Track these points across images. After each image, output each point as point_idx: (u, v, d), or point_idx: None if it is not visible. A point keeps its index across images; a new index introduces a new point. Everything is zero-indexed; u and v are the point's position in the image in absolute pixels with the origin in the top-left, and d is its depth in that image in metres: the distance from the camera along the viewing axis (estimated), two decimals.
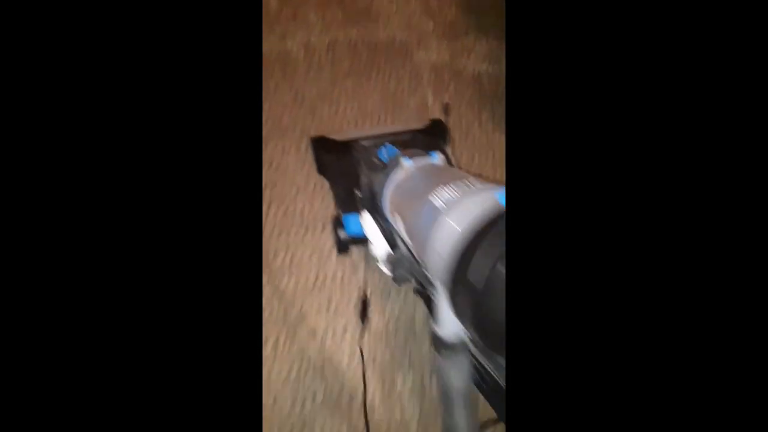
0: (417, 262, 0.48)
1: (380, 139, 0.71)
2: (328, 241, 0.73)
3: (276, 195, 0.77)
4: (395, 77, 0.93)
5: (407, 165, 0.57)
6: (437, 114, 0.89)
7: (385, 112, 0.88)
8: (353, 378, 0.63)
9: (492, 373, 0.43)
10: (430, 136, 0.77)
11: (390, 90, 0.91)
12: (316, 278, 0.70)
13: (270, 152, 0.81)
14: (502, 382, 0.41)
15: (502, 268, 0.30)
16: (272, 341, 0.65)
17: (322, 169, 0.77)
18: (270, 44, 0.94)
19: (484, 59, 0.99)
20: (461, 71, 0.96)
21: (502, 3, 0.99)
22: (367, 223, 0.63)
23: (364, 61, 0.94)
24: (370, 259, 0.66)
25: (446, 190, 0.43)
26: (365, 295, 0.66)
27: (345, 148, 0.74)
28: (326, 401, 0.61)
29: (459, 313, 0.37)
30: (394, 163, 0.58)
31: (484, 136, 0.87)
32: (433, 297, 0.44)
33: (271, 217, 0.75)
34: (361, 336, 0.65)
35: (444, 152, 0.69)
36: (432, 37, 1.01)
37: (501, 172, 0.84)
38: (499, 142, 0.87)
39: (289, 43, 0.95)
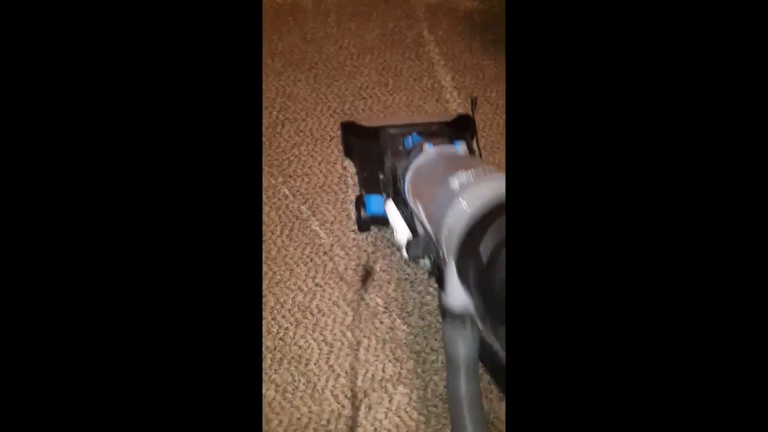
0: (432, 241, 0.51)
1: (407, 129, 0.73)
2: (334, 151, 0.83)
3: (288, 116, 0.88)
4: (393, 17, 1.02)
5: (429, 150, 0.59)
6: (432, 47, 0.97)
7: (383, 44, 0.97)
8: (358, 255, 0.72)
9: (495, 348, 0.44)
10: (457, 130, 0.78)
11: (389, 27, 1.00)
12: (325, 181, 0.80)
13: (283, 82, 0.92)
14: (502, 354, 0.41)
15: (506, 246, 0.32)
16: (287, 231, 0.75)
17: (348, 152, 0.79)
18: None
19: None
20: (455, 9, 1.04)
21: None
22: (390, 210, 0.65)
23: (366, 4, 1.04)
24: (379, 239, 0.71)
25: (464, 174, 0.45)
26: (368, 270, 0.70)
27: (372, 133, 0.76)
28: (335, 273, 0.71)
29: (467, 283, 0.39)
30: (417, 149, 0.61)
31: (475, 61, 0.95)
32: (443, 271, 0.46)
33: (284, 134, 0.85)
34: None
35: (469, 146, 0.74)
36: None
37: (490, 90, 0.91)
38: (486, 65, 0.94)
39: None
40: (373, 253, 0.72)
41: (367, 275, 0.70)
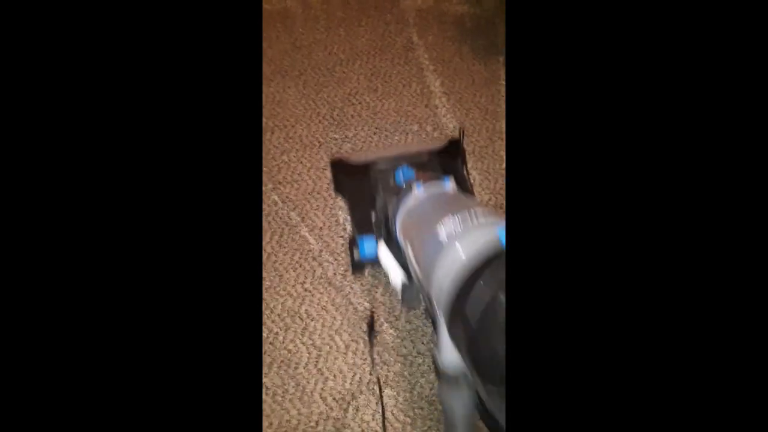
0: (424, 291, 0.50)
1: (397, 162, 0.74)
2: (323, 157, 0.84)
3: (278, 123, 0.89)
4: (383, 22, 1.03)
5: (418, 192, 0.60)
6: (422, 52, 0.98)
7: (373, 50, 0.98)
8: (347, 261, 0.73)
9: (488, 406, 0.41)
10: (447, 158, 0.79)
11: (378, 33, 1.01)
12: (314, 187, 0.81)
13: (273, 89, 0.93)
14: (498, 416, 0.39)
15: (495, 305, 0.32)
16: (277, 237, 0.76)
17: (339, 189, 0.79)
18: (271, 3, 1.06)
19: (465, 2, 1.07)
20: (445, 13, 1.05)
21: None
22: (383, 254, 0.64)
23: (355, 10, 1.05)
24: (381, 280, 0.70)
25: (451, 221, 0.45)
26: (372, 315, 0.68)
27: (362, 170, 0.77)
28: (324, 278, 0.72)
29: (456, 343, 0.38)
30: (407, 189, 0.61)
31: (464, 66, 0.95)
32: (437, 325, 0.45)
33: (274, 141, 0.87)
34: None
35: (460, 175, 0.75)
36: None
37: (479, 95, 0.92)
38: (476, 70, 0.95)
39: (288, 1, 1.07)
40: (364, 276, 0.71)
41: (372, 322, 0.68)
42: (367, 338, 0.67)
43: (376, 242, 0.66)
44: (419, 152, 0.79)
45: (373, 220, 0.69)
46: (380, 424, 0.62)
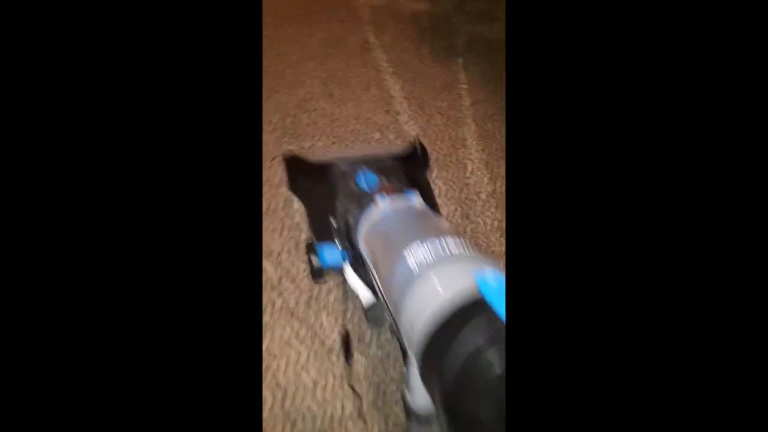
0: (391, 317, 0.47)
1: (358, 164, 0.70)
2: (277, 173, 0.77)
3: None
4: (336, 19, 0.96)
5: (382, 204, 0.56)
6: (379, 53, 0.92)
7: (327, 50, 0.91)
8: (310, 288, 0.67)
9: None
10: (411, 165, 0.76)
11: (332, 32, 0.94)
12: (269, 206, 0.74)
13: None
14: None
15: (479, 364, 0.29)
16: None
17: (295, 189, 0.74)
18: None
19: None
20: (401, 11, 1.00)
21: None
22: (348, 274, 0.61)
23: (305, 6, 0.97)
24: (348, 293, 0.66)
25: (421, 249, 0.41)
26: (347, 334, 0.64)
27: (321, 170, 0.72)
28: (285, 309, 0.66)
29: (430, 393, 0.35)
30: (369, 199, 0.57)
31: (424, 68, 0.91)
32: (406, 360, 0.42)
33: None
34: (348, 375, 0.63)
35: (424, 183, 0.71)
36: None
37: (440, 100, 0.88)
38: (436, 73, 0.91)
39: None
40: (325, 283, 0.68)
41: (347, 341, 0.63)
42: (344, 361, 0.63)
43: (339, 251, 0.62)
44: (382, 156, 0.76)
45: (334, 227, 0.65)
46: None
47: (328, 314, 0.66)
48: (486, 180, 0.83)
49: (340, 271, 0.62)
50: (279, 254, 0.70)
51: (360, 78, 0.89)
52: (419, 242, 0.42)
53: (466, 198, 0.80)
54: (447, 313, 0.33)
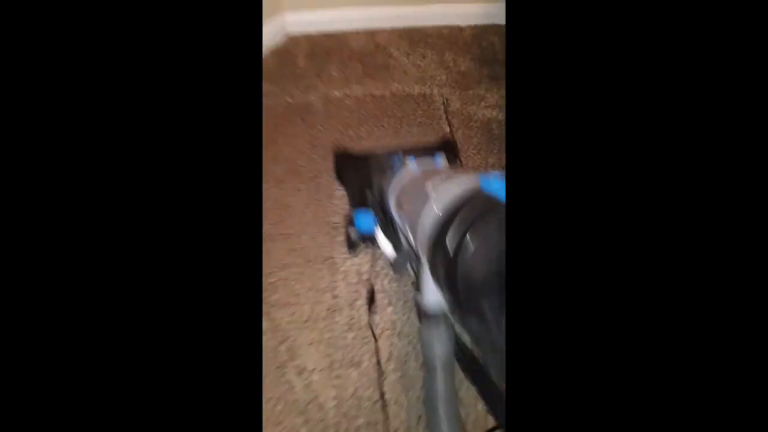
0: (414, 250, 0.52)
1: (395, 151, 0.81)
2: (325, 276, 0.75)
3: (282, 231, 0.81)
4: (406, 123, 0.98)
5: (411, 164, 0.65)
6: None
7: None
8: (349, 414, 0.61)
9: (464, 341, 0.47)
10: (441, 150, 0.84)
11: (401, 134, 0.96)
12: (311, 314, 0.71)
13: (282, 191, 0.86)
14: (477, 353, 0.45)
15: (469, 236, 0.34)
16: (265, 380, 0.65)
17: (340, 176, 0.85)
18: (295, 97, 1.04)
19: (494, 106, 1.01)
20: (472, 116, 0.99)
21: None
22: (379, 236, 0.69)
23: (378, 109, 1.01)
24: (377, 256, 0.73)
25: (438, 177, 0.48)
26: (372, 288, 0.71)
27: (363, 159, 0.84)
28: None
29: (436, 276, 0.40)
30: (400, 164, 0.66)
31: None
32: (419, 273, 0.48)
33: (275, 252, 0.78)
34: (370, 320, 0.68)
35: (450, 159, 0.78)
36: (445, 87, 1.06)
37: None
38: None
39: (312, 96, 1.05)
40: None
41: (372, 293, 0.70)
42: (367, 308, 0.69)
43: (373, 218, 0.69)
44: (416, 146, 0.87)
45: (369, 199, 0.72)
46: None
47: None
48: None
49: (373, 240, 0.70)
50: (311, 372, 0.65)
51: None
52: (437, 175, 0.49)
53: None
54: (449, 208, 0.38)
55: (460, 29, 1.20)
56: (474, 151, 0.92)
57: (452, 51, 1.14)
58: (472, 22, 1.21)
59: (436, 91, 1.04)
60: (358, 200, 0.77)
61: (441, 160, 0.69)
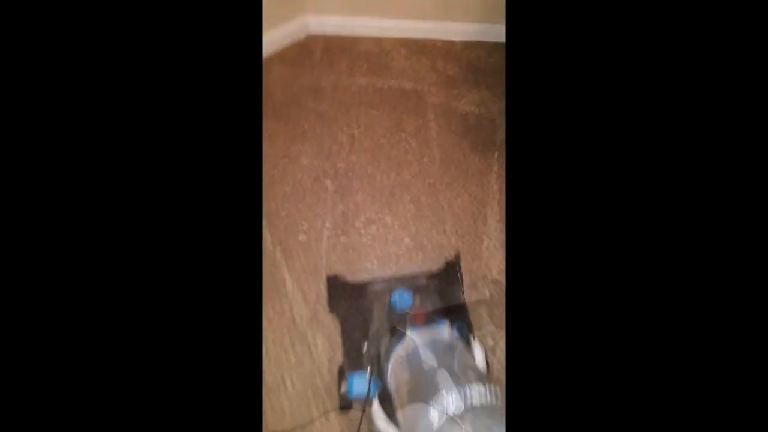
0: None
1: (393, 283, 0.73)
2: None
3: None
4: (401, 110, 1.18)
5: (412, 338, 0.58)
6: (432, 132, 1.11)
7: (390, 135, 1.12)
8: None
9: None
10: (445, 282, 0.78)
11: (395, 118, 1.16)
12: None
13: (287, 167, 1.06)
14: None
15: None
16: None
17: (333, 307, 0.77)
18: (309, 81, 1.25)
19: (472, 103, 1.23)
20: (453, 110, 1.21)
21: (500, 63, 1.22)
22: (375, 409, 0.61)
23: (377, 98, 1.22)
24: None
25: (446, 399, 0.43)
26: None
27: (359, 290, 0.75)
28: None
29: None
30: (401, 334, 0.60)
31: (463, 159, 1.08)
32: None
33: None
34: None
35: (457, 302, 0.73)
36: (434, 86, 1.27)
37: (480, 190, 1.02)
38: (476, 163, 1.07)
39: (324, 82, 1.26)
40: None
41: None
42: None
43: (368, 382, 0.62)
44: (417, 275, 0.79)
45: (365, 350, 0.67)
46: None
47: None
48: (499, 258, 0.90)
49: (368, 403, 0.62)
50: None
51: (409, 153, 1.08)
52: (444, 392, 0.44)
53: (477, 269, 0.88)
54: None
55: (452, 43, 1.43)
56: (454, 136, 1.13)
57: (444, 59, 1.36)
58: (464, 38, 1.44)
59: (425, 88, 1.26)
60: (352, 353, 0.69)
61: (445, 330, 0.60)
